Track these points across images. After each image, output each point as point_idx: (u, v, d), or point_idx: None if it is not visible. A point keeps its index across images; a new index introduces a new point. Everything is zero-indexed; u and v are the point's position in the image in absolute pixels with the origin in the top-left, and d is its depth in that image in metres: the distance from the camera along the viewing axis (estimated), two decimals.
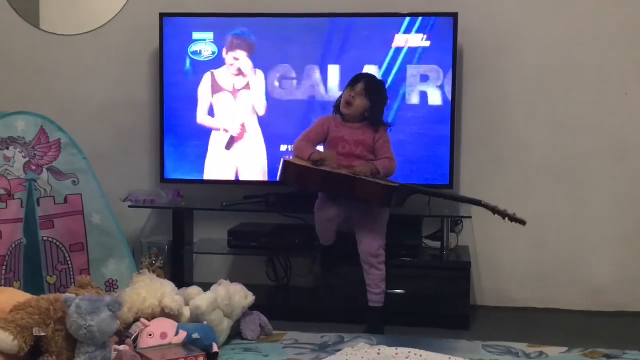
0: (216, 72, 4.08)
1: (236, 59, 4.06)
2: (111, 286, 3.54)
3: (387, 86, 3.74)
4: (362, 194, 3.41)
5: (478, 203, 3.50)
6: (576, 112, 4.07)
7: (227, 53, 4.06)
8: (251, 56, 4.06)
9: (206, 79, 4.10)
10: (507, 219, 3.41)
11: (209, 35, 4.08)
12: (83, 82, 4.40)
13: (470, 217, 3.92)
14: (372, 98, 3.54)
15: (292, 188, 3.93)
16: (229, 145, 4.10)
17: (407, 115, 3.96)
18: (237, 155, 4.10)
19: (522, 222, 3.41)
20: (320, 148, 3.63)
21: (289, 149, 3.99)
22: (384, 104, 3.62)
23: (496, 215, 3.43)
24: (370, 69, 3.92)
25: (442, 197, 3.73)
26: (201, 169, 4.13)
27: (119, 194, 4.03)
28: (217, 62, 4.08)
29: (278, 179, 3.58)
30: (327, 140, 3.59)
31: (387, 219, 3.56)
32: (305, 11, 4.04)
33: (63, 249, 3.43)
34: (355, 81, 3.55)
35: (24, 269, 3.28)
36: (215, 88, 4.10)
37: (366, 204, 3.48)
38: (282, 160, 3.56)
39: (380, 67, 3.96)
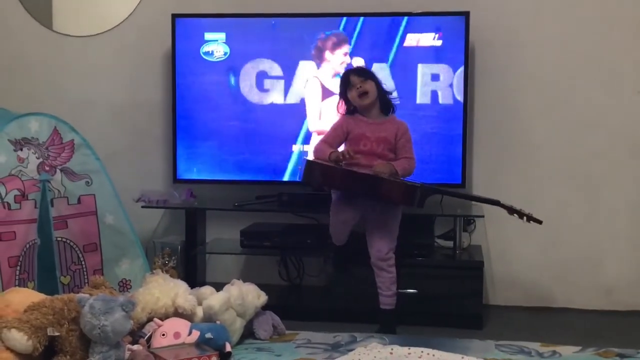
0: (320, 75, 4.06)
1: (345, 54, 4.02)
2: (124, 286, 3.56)
3: (397, 85, 3.75)
4: (387, 192, 3.41)
5: (496, 203, 3.50)
6: (589, 111, 4.05)
7: (333, 52, 4.02)
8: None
9: (313, 85, 4.06)
10: (524, 218, 3.42)
11: (221, 36, 4.09)
12: (96, 83, 4.42)
13: (482, 217, 3.91)
14: (373, 79, 3.55)
15: (306, 188, 3.93)
16: None
17: (418, 114, 3.96)
18: None
19: (539, 222, 3.42)
20: (340, 148, 3.61)
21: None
22: (379, 80, 3.61)
23: (514, 215, 3.43)
24: (380, 68, 3.92)
25: (461, 197, 3.74)
26: (214, 169, 4.14)
27: (132, 194, 4.04)
28: (231, 62, 4.09)
29: (301, 179, 3.56)
30: (348, 139, 3.56)
31: (399, 222, 3.56)
32: (316, 11, 4.04)
33: (76, 249, 3.45)
34: (346, 79, 3.55)
35: (37, 269, 3.30)
36: (325, 93, 4.06)
37: (390, 203, 3.49)
38: (305, 160, 3.55)
39: (391, 66, 3.96)
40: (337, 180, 3.48)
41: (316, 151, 3.59)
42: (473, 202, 4.03)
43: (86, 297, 2.58)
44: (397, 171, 3.46)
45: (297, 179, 3.99)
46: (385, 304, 3.54)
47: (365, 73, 3.58)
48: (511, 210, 3.44)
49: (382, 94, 3.58)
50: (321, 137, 3.72)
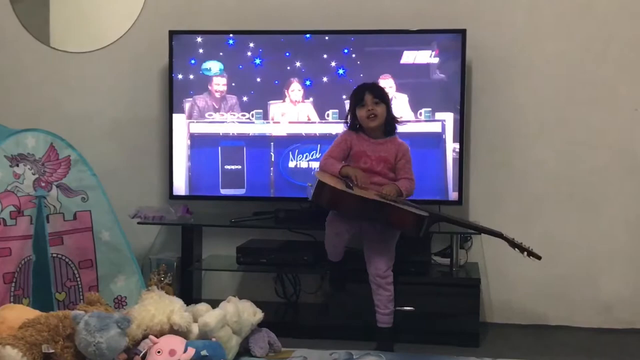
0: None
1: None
2: (120, 303, 3.54)
3: (392, 100, 3.77)
4: (396, 221, 3.42)
5: (499, 235, 3.50)
6: (586, 128, 4.06)
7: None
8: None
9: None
10: (525, 253, 3.43)
11: (218, 53, 4.10)
12: (93, 99, 4.42)
13: (479, 234, 3.91)
14: (384, 101, 3.58)
15: (303, 205, 3.93)
16: None
17: (416, 131, 3.96)
18: None
19: (538, 257, 3.43)
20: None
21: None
22: (390, 101, 3.65)
23: (515, 249, 3.43)
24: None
25: (466, 226, 3.71)
26: (210, 186, 4.14)
27: (128, 211, 4.03)
28: (228, 79, 4.09)
29: (310, 198, 3.51)
30: (350, 155, 3.59)
31: (396, 240, 3.56)
32: (311, 28, 4.06)
33: (72, 265, 3.44)
34: (360, 96, 3.56)
35: (33, 285, 3.28)
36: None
37: (399, 230, 3.51)
38: (316, 179, 3.46)
39: (389, 83, 3.96)
40: (347, 206, 3.43)
41: (324, 166, 3.59)
42: (470, 219, 4.02)
43: (81, 314, 2.57)
44: (402, 192, 3.47)
45: (300, 196, 3.96)
46: (382, 322, 3.53)
47: (380, 94, 3.58)
48: (512, 244, 3.45)
49: (390, 117, 3.60)
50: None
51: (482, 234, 3.72)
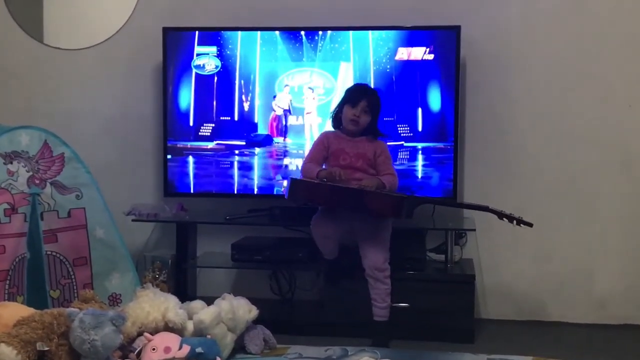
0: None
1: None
2: (114, 300, 3.53)
3: (388, 99, 3.78)
4: (374, 206, 3.42)
5: (485, 209, 3.49)
6: (580, 124, 4.06)
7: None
8: None
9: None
10: (514, 222, 3.41)
11: (212, 49, 4.09)
12: (87, 96, 4.41)
13: (474, 230, 3.91)
14: (373, 113, 3.58)
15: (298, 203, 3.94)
16: None
17: (410, 128, 3.96)
18: None
19: (529, 224, 3.41)
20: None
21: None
22: (379, 114, 3.65)
23: (503, 219, 3.43)
24: (373, 82, 3.93)
25: (449, 205, 3.73)
26: (204, 183, 4.13)
27: (123, 208, 4.02)
28: (222, 76, 4.09)
29: (286, 197, 3.57)
30: (329, 154, 3.60)
31: (390, 233, 3.56)
32: (307, 24, 4.05)
33: (66, 263, 3.43)
34: (357, 99, 3.56)
35: (27, 283, 3.27)
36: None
37: (378, 216, 3.49)
38: (289, 178, 3.56)
39: (383, 80, 3.96)
40: (323, 197, 3.49)
41: (304, 171, 3.63)
42: (465, 216, 4.03)
43: (76, 312, 2.57)
44: (385, 184, 3.47)
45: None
46: (379, 316, 3.53)
47: (372, 106, 3.57)
48: (501, 215, 3.44)
49: (372, 127, 3.61)
50: None
51: (468, 209, 3.76)
